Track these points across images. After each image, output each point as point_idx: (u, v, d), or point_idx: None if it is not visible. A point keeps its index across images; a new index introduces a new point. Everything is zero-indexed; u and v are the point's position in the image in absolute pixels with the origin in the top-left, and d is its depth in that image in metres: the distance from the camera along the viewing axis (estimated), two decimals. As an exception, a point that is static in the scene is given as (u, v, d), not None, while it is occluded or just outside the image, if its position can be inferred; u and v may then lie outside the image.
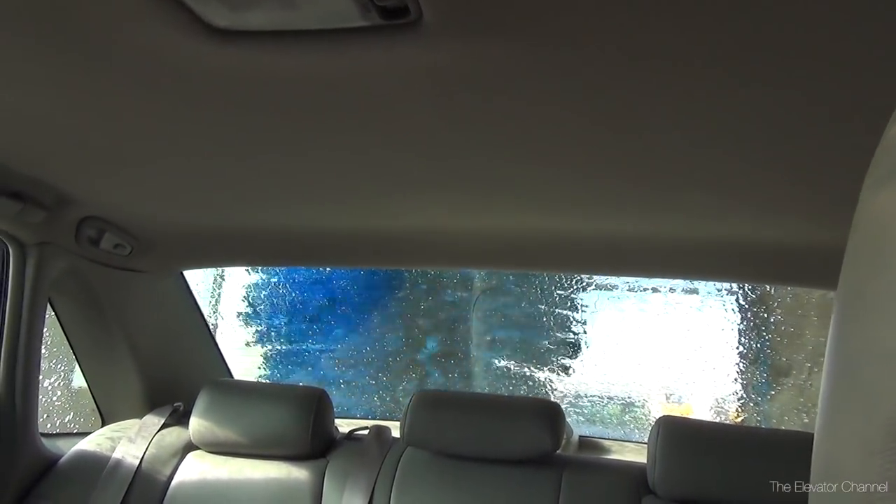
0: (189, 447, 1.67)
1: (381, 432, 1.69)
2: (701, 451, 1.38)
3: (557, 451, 1.53)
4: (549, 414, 1.52)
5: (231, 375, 2.13)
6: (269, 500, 1.55)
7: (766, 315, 2.98)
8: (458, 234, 1.52)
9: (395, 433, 1.69)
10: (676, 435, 1.41)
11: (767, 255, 1.41)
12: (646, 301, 3.04)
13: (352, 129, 0.99)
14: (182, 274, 1.94)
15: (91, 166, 1.27)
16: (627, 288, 2.97)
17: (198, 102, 0.93)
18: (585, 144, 0.98)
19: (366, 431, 1.73)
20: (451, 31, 0.71)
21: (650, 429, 1.47)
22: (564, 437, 1.58)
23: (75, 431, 1.89)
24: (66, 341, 1.81)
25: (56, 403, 2.13)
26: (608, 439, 2.06)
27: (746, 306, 2.97)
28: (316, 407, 1.62)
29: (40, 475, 1.59)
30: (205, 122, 1.01)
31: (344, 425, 1.83)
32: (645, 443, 1.50)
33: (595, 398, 2.91)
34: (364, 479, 1.54)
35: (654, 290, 2.93)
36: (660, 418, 1.46)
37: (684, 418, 1.99)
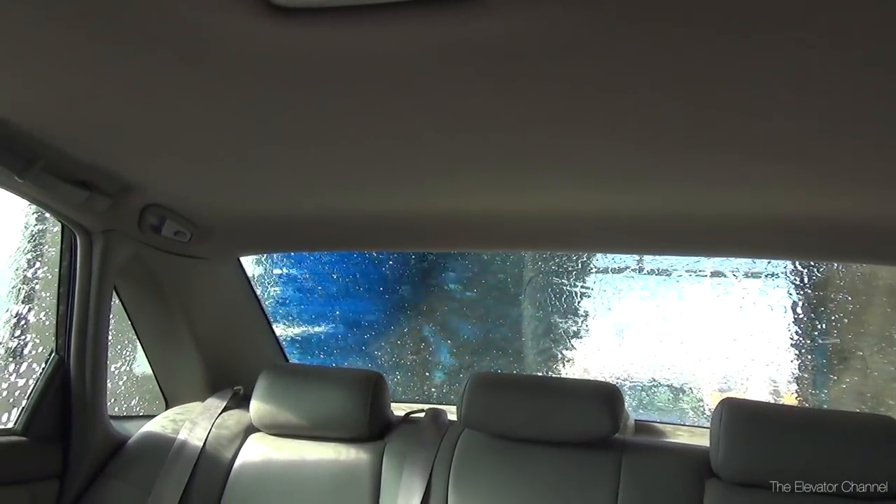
0: (250, 429, 1.71)
1: (437, 415, 1.70)
2: (766, 433, 1.35)
3: (616, 435, 1.51)
4: (608, 396, 1.50)
5: (286, 360, 2.17)
6: (330, 481, 1.57)
7: (828, 298, 2.89)
8: (515, 215, 1.50)
9: (451, 416, 1.70)
10: (740, 417, 1.37)
11: (841, 230, 1.36)
12: (702, 283, 2.97)
13: (409, 110, 0.99)
14: (239, 260, 1.97)
15: (154, 154, 1.30)
16: (685, 268, 2.90)
17: (259, 86, 0.94)
18: (648, 115, 0.95)
19: (422, 414, 1.74)
20: (513, 1, 0.70)
21: (709, 413, 1.44)
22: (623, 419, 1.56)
23: (141, 414, 1.95)
24: (129, 328, 1.87)
25: (121, 388, 2.21)
26: (664, 423, 2.02)
27: (809, 288, 2.87)
28: (373, 389, 1.63)
29: (110, 455, 1.65)
30: (265, 107, 1.02)
31: (398, 409, 1.84)
32: (702, 426, 1.47)
33: (647, 384, 2.87)
34: (422, 460, 1.55)
35: (716, 273, 2.86)
36: (723, 400, 1.43)
37: (748, 400, 1.94)
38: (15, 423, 1.54)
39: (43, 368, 1.58)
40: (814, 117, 0.91)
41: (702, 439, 1.55)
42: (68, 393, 1.58)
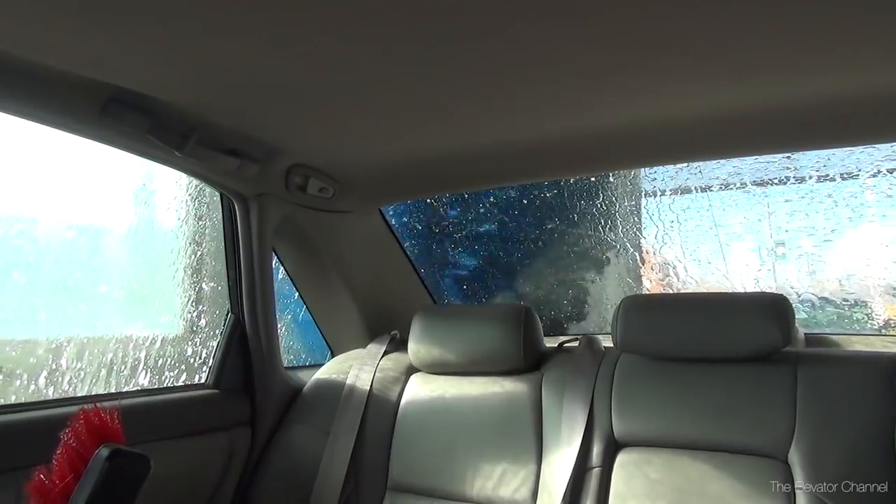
0: (411, 370, 1.78)
1: (592, 342, 1.68)
2: None
3: (786, 348, 1.42)
4: (777, 307, 1.41)
5: (434, 301, 2.23)
6: (493, 412, 1.61)
7: None
8: (657, 125, 1.42)
9: (606, 343, 1.68)
10: None
11: None
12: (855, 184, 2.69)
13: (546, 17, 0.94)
14: (380, 210, 2.04)
15: (294, 115, 1.36)
16: (817, 179, 2.63)
17: (397, 23, 0.94)
18: None
19: (575, 343, 1.73)
20: None
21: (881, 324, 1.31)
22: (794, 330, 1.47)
23: (309, 364, 2.09)
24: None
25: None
26: (838, 334, 1.88)
27: None
28: (524, 322, 1.64)
29: (290, 402, 1.80)
30: (398, 46, 1.02)
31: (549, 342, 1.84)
32: (883, 334, 1.35)
33: (811, 297, 2.67)
34: (582, 387, 1.55)
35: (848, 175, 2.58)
36: None
37: None
38: (206, 379, 1.71)
39: (222, 329, 1.74)
40: None
41: (881, 349, 1.43)
42: (246, 348, 1.72)
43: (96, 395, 1.55)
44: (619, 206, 2.46)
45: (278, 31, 0.97)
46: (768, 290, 2.23)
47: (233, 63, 1.09)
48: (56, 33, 0.97)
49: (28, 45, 1.01)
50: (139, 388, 1.68)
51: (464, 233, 2.64)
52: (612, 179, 2.43)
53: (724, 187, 2.29)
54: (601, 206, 2.48)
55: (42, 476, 0.61)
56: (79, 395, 1.57)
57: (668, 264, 2.35)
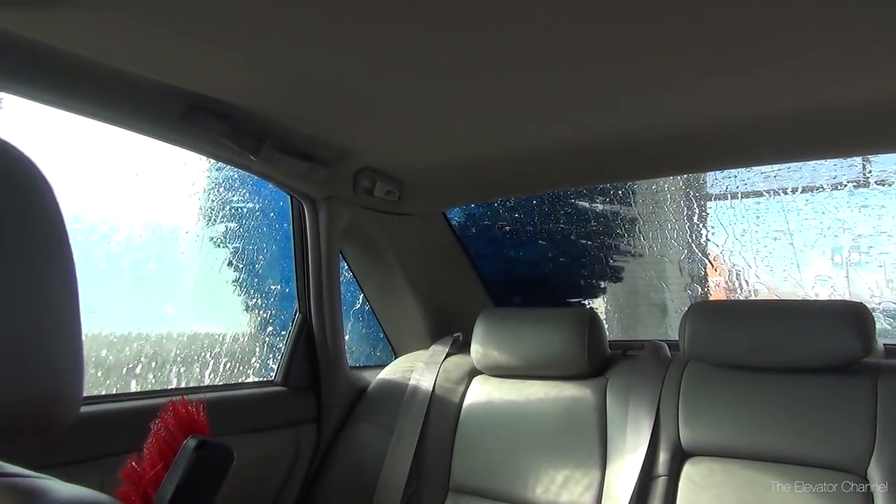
0: (473, 372, 1.79)
1: (658, 348, 1.65)
2: None
3: (866, 358, 1.37)
4: (856, 315, 1.35)
5: (493, 304, 2.23)
6: (556, 417, 1.60)
7: None
8: (739, 126, 1.37)
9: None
10: None
11: None
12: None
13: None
14: (444, 214, 2.05)
15: (364, 118, 1.39)
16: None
17: (465, 29, 0.96)
18: None
19: (640, 350, 1.71)
20: None
21: None
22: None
23: (373, 364, 2.13)
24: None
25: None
26: (920, 346, 1.79)
27: None
28: (589, 326, 1.63)
29: (355, 401, 1.83)
30: (468, 50, 1.03)
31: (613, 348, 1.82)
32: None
33: (893, 308, 2.55)
34: (647, 394, 1.52)
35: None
36: None
37: None
38: (275, 377, 1.76)
39: (290, 327, 1.79)
40: None
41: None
42: (313, 347, 1.76)
43: (174, 389, 1.62)
44: (686, 210, 2.40)
45: (352, 37, 1.00)
46: (844, 299, 2.15)
47: (307, 69, 1.12)
48: (144, 43, 1.03)
49: (119, 55, 1.07)
50: (210, 384, 1.74)
51: (525, 235, 2.63)
52: (681, 183, 2.38)
53: (798, 191, 2.21)
54: (667, 208, 2.43)
55: (134, 464, 0.64)
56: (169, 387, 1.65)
57: (738, 270, 2.28)
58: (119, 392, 1.49)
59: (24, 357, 0.47)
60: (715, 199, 2.41)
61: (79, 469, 1.08)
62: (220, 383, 1.75)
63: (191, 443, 0.63)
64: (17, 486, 0.49)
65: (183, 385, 1.69)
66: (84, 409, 1.11)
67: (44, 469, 0.53)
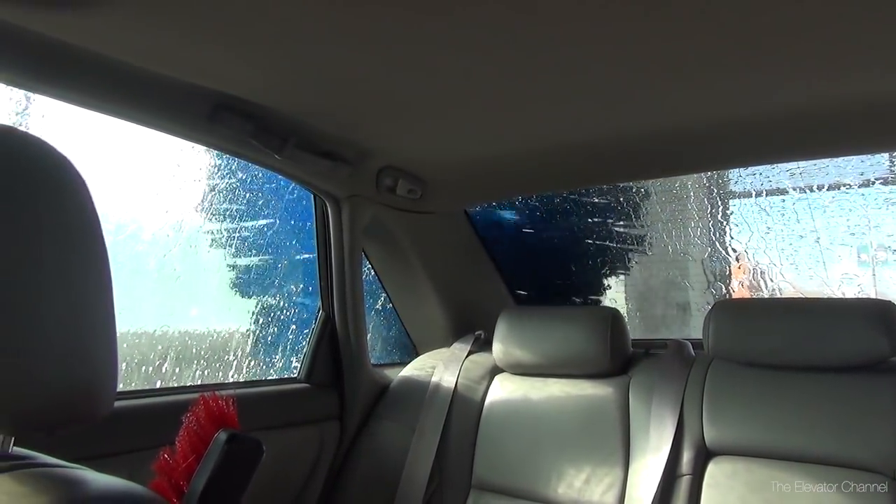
0: (495, 370, 1.79)
1: (681, 346, 1.64)
2: None
3: (893, 357, 1.35)
4: (883, 314, 1.33)
5: (515, 303, 2.23)
6: (578, 416, 1.60)
7: None
8: (765, 122, 1.36)
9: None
10: None
11: None
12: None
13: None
14: (465, 212, 2.06)
15: (387, 117, 1.39)
16: None
17: (486, 28, 0.96)
18: None
19: (663, 348, 1.70)
20: None
21: None
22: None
23: (395, 361, 2.14)
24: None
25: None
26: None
27: None
28: (611, 324, 1.62)
29: (377, 398, 1.84)
30: (492, 51, 1.04)
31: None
32: None
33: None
34: (671, 392, 1.51)
35: None
36: None
37: None
38: (298, 373, 1.77)
39: (314, 325, 1.80)
40: None
41: None
42: (336, 344, 1.78)
43: (198, 386, 1.64)
44: (710, 208, 2.38)
45: (376, 38, 1.01)
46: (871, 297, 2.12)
47: (331, 68, 1.13)
48: (170, 44, 1.04)
49: (146, 56, 1.09)
50: (235, 381, 1.76)
51: (545, 234, 2.62)
52: (704, 180, 2.36)
53: (824, 188, 2.18)
54: (690, 206, 2.41)
55: (167, 456, 0.66)
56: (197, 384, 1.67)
57: (762, 268, 2.25)
58: (146, 388, 1.52)
59: (62, 352, 0.48)
60: (739, 197, 2.38)
61: (107, 462, 1.10)
62: (244, 380, 1.77)
63: (222, 436, 0.65)
64: (55, 475, 0.50)
65: (208, 382, 1.71)
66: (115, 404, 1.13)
67: (76, 461, 0.54)
